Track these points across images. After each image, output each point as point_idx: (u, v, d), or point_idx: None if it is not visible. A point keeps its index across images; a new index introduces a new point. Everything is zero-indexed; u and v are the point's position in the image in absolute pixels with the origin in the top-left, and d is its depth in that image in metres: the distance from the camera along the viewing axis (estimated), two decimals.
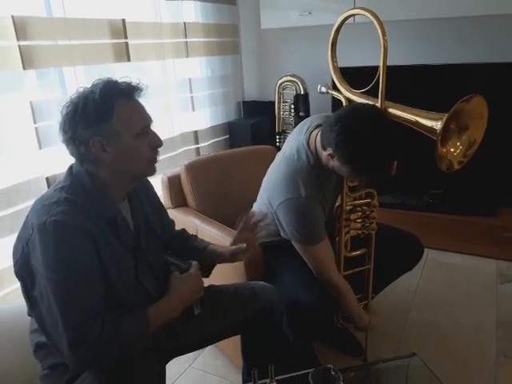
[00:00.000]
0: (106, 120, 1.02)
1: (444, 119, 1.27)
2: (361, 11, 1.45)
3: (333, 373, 1.09)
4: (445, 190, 2.77)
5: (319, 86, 1.49)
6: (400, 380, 1.40)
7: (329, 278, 1.50)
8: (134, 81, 1.09)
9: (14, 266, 1.07)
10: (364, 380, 1.37)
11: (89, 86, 1.06)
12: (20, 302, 1.15)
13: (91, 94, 1.03)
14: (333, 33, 1.58)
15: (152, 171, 1.14)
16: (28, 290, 1.05)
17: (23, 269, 1.04)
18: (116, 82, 1.06)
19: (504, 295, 2.26)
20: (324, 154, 1.40)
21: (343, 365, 1.37)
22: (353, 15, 1.52)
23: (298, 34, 3.15)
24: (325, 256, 1.50)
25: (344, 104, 1.48)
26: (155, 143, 1.11)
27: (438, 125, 1.29)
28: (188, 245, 1.40)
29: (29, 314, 1.11)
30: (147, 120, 1.11)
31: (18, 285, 1.09)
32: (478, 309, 2.17)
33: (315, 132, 1.47)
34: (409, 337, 1.99)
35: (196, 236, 1.46)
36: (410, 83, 2.57)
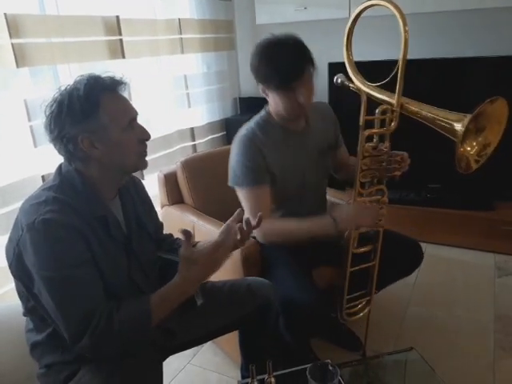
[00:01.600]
0: (92, 115, 1.02)
1: (467, 121, 1.25)
2: (381, 2, 1.37)
3: (330, 368, 1.08)
4: (443, 185, 2.77)
5: (335, 78, 1.45)
6: (398, 374, 1.40)
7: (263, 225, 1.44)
8: (117, 75, 1.09)
9: (10, 267, 1.06)
10: (362, 374, 1.37)
11: (70, 83, 1.06)
12: (15, 302, 1.15)
13: (75, 90, 1.03)
14: (349, 23, 1.50)
15: (143, 164, 1.14)
16: (29, 289, 1.05)
17: (19, 269, 1.03)
18: (99, 76, 1.06)
19: (502, 289, 2.27)
20: (269, 102, 1.50)
21: (341, 359, 1.37)
22: (372, 6, 1.46)
23: (294, 29, 3.09)
24: (258, 200, 1.50)
25: (362, 98, 1.39)
26: (143, 136, 1.11)
27: (459, 126, 1.27)
28: (176, 245, 1.40)
29: (24, 314, 1.11)
30: (133, 113, 1.11)
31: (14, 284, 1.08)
32: (476, 302, 2.17)
33: None
34: (407, 331, 1.99)
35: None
36: (418, 77, 2.54)
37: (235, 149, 1.54)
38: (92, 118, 1.02)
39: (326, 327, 1.81)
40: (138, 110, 1.13)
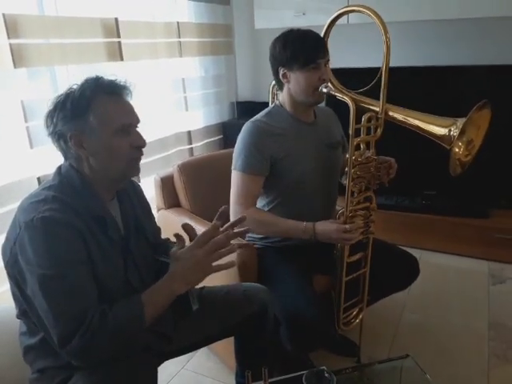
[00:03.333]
0: (81, 115, 1.04)
1: (460, 127, 1.28)
2: (362, 8, 1.44)
3: (326, 375, 1.08)
4: (438, 191, 2.78)
5: (320, 88, 1.47)
6: (393, 381, 1.39)
7: (241, 211, 1.49)
8: (121, 79, 1.09)
9: (6, 267, 1.05)
10: (357, 381, 1.36)
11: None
12: (9, 305, 1.13)
13: (72, 90, 1.05)
14: (326, 27, 1.57)
15: (134, 171, 1.12)
16: (22, 290, 1.04)
17: (14, 269, 1.02)
18: (100, 78, 1.07)
19: (496, 296, 2.28)
20: (284, 89, 1.55)
21: (337, 366, 1.37)
22: (352, 11, 1.50)
23: None
24: (245, 187, 1.52)
25: (350, 106, 1.39)
26: (136, 143, 1.09)
27: (450, 132, 1.31)
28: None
29: (18, 317, 1.10)
30: (129, 118, 1.09)
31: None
32: (470, 310, 2.18)
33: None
34: (402, 337, 1.99)
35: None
36: (402, 85, 2.58)
37: (242, 134, 1.56)
38: (80, 117, 1.04)
39: (328, 341, 1.81)
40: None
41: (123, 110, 1.09)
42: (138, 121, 1.12)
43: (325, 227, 1.45)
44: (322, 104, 1.64)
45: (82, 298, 0.99)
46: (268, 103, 3.23)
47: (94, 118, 1.03)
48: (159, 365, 1.25)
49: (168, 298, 1.07)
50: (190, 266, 1.08)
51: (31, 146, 1.82)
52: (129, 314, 1.02)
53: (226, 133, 3.23)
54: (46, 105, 1.07)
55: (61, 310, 0.97)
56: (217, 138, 3.22)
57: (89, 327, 0.95)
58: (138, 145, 1.10)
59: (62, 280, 0.97)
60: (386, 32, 1.41)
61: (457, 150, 1.37)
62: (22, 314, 1.10)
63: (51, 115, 1.06)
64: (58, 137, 1.06)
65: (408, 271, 1.68)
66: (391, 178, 1.54)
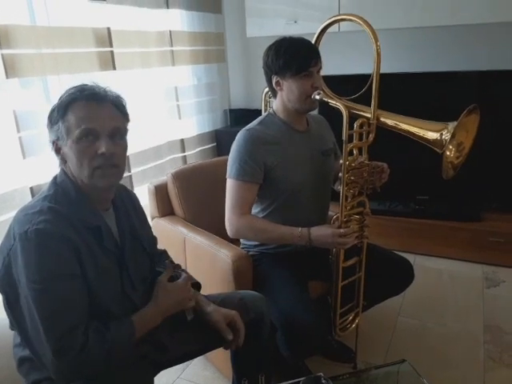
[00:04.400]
0: (56, 122, 1.06)
1: (452, 131, 1.30)
2: (352, 17, 1.47)
3: (323, 381, 1.08)
4: (431, 196, 2.80)
5: (313, 95, 1.49)
6: None
7: (236, 218, 1.51)
8: (101, 87, 1.10)
9: None
10: None
11: None
12: (3, 315, 1.12)
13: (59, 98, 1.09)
14: (317, 34, 1.60)
15: (99, 180, 1.06)
16: (11, 303, 1.03)
17: (5, 281, 1.02)
18: (84, 86, 1.08)
19: (491, 299, 2.29)
20: (278, 97, 1.57)
21: (334, 372, 1.37)
22: (342, 20, 1.53)
23: None
24: (240, 195, 1.52)
25: (343, 113, 1.40)
26: (100, 150, 1.04)
27: (442, 136, 1.34)
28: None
29: (11, 328, 1.09)
30: (94, 124, 1.04)
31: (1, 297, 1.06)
32: (465, 313, 2.19)
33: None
34: (398, 342, 1.99)
35: (179, 265, 1.40)
36: (395, 91, 2.61)
37: (236, 143, 1.56)
38: (55, 124, 1.06)
39: (325, 346, 1.81)
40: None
41: (93, 116, 1.05)
42: (110, 128, 1.06)
43: (320, 232, 1.46)
44: (315, 112, 1.65)
45: (71, 313, 0.98)
46: (261, 110, 3.25)
47: (63, 124, 1.05)
48: (156, 374, 1.25)
49: (152, 326, 1.14)
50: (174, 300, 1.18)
51: (24, 156, 1.82)
52: (123, 337, 1.04)
53: (219, 140, 3.24)
54: (42, 118, 1.12)
55: (50, 325, 0.96)
56: (210, 145, 3.22)
57: (81, 349, 0.96)
58: (101, 152, 1.04)
59: (51, 294, 0.97)
60: (376, 40, 1.43)
61: (448, 153, 1.38)
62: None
63: (47, 125, 1.09)
64: (50, 142, 1.10)
65: (403, 276, 1.68)
66: (383, 182, 1.55)
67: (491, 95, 2.54)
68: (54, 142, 1.09)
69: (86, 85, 1.09)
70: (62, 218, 1.02)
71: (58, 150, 1.09)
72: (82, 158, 1.04)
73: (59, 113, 1.05)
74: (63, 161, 1.10)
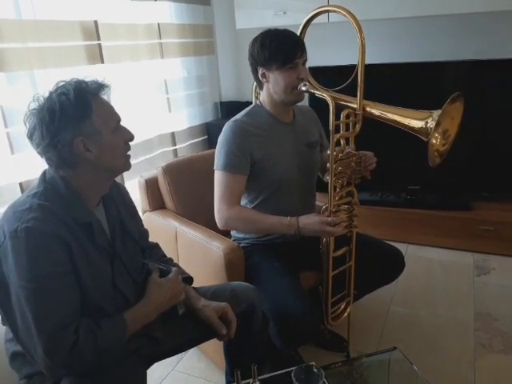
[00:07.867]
0: (85, 119, 1.03)
1: (436, 119, 1.31)
2: (336, 8, 1.47)
3: (315, 370, 1.09)
4: (422, 186, 2.82)
5: (299, 86, 1.48)
6: (382, 374, 1.41)
7: (225, 210, 1.52)
8: (99, 79, 1.10)
9: None
10: (346, 375, 1.38)
11: (49, 90, 1.07)
12: None
13: (63, 95, 1.02)
14: (302, 26, 1.59)
15: (129, 166, 1.16)
16: (1, 300, 1.02)
17: None
18: (84, 81, 1.07)
19: (481, 287, 2.32)
20: (264, 88, 1.56)
21: (326, 361, 1.38)
22: (327, 11, 1.53)
23: None
24: (228, 186, 1.53)
25: (330, 104, 1.39)
26: (128, 136, 1.14)
27: (427, 125, 1.35)
28: (162, 258, 1.41)
29: (3, 323, 1.09)
30: (118, 116, 1.13)
31: None
32: (456, 301, 2.22)
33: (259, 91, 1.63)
34: (390, 330, 2.01)
35: (171, 259, 1.44)
36: (384, 82, 2.62)
37: (224, 134, 1.56)
38: (84, 121, 1.03)
39: (317, 336, 1.83)
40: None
41: (112, 108, 1.12)
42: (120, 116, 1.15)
43: (308, 220, 1.47)
44: (306, 103, 1.65)
45: (62, 312, 0.98)
46: (252, 103, 3.25)
47: (96, 119, 1.05)
48: (148, 367, 1.25)
49: (146, 322, 1.14)
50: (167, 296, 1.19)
51: (12, 152, 1.80)
52: (115, 334, 1.04)
53: (210, 133, 3.22)
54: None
55: (41, 323, 0.96)
56: (201, 138, 3.21)
57: (73, 346, 0.96)
58: (129, 138, 1.14)
59: (42, 293, 0.97)
60: (360, 31, 1.44)
61: (434, 141, 1.40)
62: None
63: (48, 125, 1.01)
64: (62, 146, 1.02)
65: (393, 265, 1.70)
66: (371, 169, 1.56)
67: (480, 85, 2.56)
68: (78, 141, 1.03)
69: (83, 79, 1.08)
70: (52, 215, 1.01)
71: (85, 147, 1.04)
72: (119, 146, 1.11)
73: (87, 107, 1.03)
74: (78, 160, 1.05)
